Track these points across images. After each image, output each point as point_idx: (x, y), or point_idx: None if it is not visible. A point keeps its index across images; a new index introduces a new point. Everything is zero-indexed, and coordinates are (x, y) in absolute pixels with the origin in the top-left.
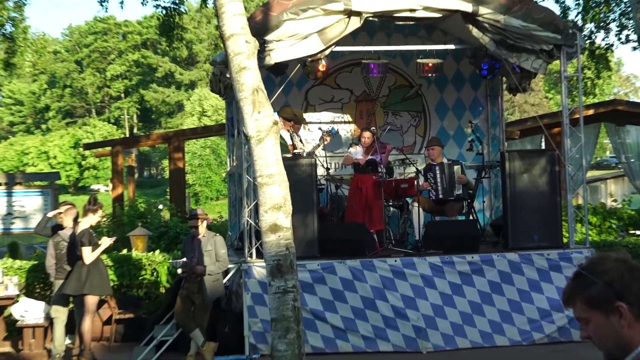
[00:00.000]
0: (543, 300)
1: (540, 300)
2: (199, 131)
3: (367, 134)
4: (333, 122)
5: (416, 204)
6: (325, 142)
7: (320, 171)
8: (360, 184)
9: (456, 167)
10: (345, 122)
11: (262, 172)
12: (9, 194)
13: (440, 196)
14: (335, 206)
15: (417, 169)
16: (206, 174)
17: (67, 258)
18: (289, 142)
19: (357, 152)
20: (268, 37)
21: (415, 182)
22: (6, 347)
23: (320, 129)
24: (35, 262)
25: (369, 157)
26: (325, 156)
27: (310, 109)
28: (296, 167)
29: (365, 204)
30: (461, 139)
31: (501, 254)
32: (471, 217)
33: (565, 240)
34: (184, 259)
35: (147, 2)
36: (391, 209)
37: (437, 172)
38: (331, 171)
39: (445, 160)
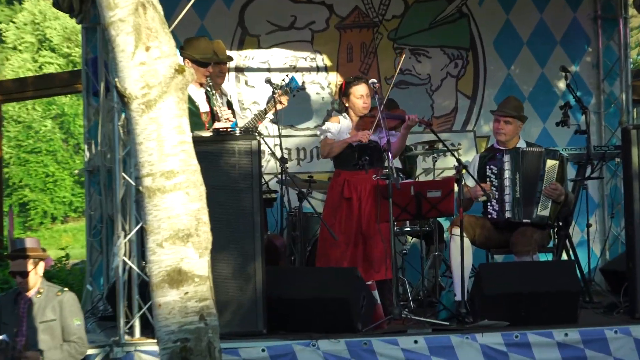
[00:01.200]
0: None
1: None
2: (31, 84)
3: (361, 91)
4: (294, 69)
5: (457, 230)
6: (279, 108)
7: (270, 165)
8: (349, 190)
9: (550, 163)
10: (317, 69)
11: (154, 166)
12: None
13: (509, 216)
14: (299, 234)
15: (459, 160)
16: (46, 168)
17: None
18: (205, 109)
19: (341, 129)
20: None
21: (457, 187)
22: None
23: (268, 81)
24: None
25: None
26: (280, 136)
27: (250, 43)
28: (220, 158)
29: (357, 230)
30: (546, 102)
31: (622, 327)
32: (564, 256)
33: None
34: (1, 337)
35: None
36: (409, 239)
37: (507, 166)
38: (291, 165)
39: (523, 145)
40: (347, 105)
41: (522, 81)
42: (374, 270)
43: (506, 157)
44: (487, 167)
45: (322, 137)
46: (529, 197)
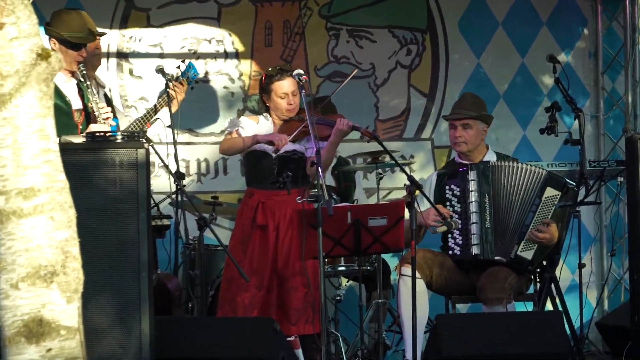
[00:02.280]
0: None
1: None
2: None
3: (286, 87)
4: (194, 55)
5: (408, 270)
6: (175, 106)
7: (162, 181)
8: (263, 216)
9: (550, 193)
10: (226, 55)
11: (8, 182)
12: None
13: (476, 252)
14: (199, 274)
15: (411, 178)
16: None
17: None
18: (78, 106)
19: (258, 131)
20: None
21: (408, 213)
22: None
23: (160, 70)
24: None
25: (290, 146)
26: (175, 143)
27: (137, 20)
28: (96, 171)
29: (272, 269)
30: (527, 102)
31: None
32: (549, 306)
33: None
34: None
35: None
36: (343, 281)
37: (474, 185)
38: (189, 183)
39: (493, 158)
40: (268, 104)
41: (496, 74)
42: (293, 323)
43: (471, 174)
44: (447, 187)
45: (228, 129)
46: (503, 229)
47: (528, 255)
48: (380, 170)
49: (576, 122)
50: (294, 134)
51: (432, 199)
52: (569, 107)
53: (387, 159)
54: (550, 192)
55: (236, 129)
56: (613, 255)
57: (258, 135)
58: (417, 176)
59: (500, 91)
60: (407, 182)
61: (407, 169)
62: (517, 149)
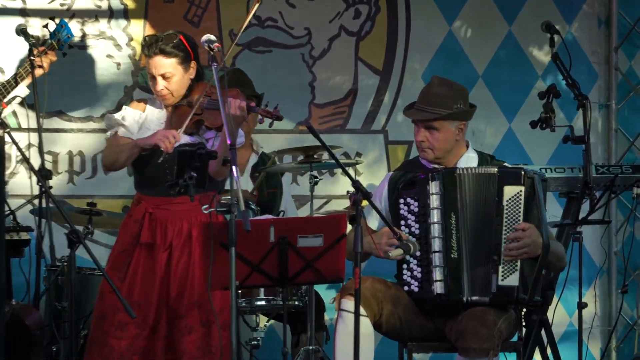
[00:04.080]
0: None
1: None
2: None
3: (152, 64)
4: (68, 13)
5: (349, 305)
6: (39, 74)
7: (20, 181)
8: (150, 231)
9: (509, 193)
10: (111, 14)
11: None
12: None
13: (439, 291)
14: (68, 307)
15: (356, 184)
16: None
17: None
18: None
19: (146, 122)
20: None
21: (352, 231)
22: None
23: (22, 31)
24: None
25: (186, 138)
26: (40, 129)
27: None
28: None
29: (159, 302)
30: (515, 86)
31: None
32: (539, 359)
33: None
34: None
35: None
36: (262, 320)
37: (436, 200)
38: (58, 183)
39: (473, 158)
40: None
41: (473, 48)
42: None
43: (433, 186)
44: (402, 200)
45: (109, 132)
46: (477, 258)
47: (513, 280)
48: (315, 173)
49: (580, 113)
50: (184, 125)
51: (385, 211)
52: (570, 93)
53: (325, 157)
54: (510, 191)
55: (117, 128)
56: (625, 293)
57: (139, 140)
58: (365, 181)
59: (479, 70)
60: (352, 189)
61: (351, 172)
62: (500, 147)
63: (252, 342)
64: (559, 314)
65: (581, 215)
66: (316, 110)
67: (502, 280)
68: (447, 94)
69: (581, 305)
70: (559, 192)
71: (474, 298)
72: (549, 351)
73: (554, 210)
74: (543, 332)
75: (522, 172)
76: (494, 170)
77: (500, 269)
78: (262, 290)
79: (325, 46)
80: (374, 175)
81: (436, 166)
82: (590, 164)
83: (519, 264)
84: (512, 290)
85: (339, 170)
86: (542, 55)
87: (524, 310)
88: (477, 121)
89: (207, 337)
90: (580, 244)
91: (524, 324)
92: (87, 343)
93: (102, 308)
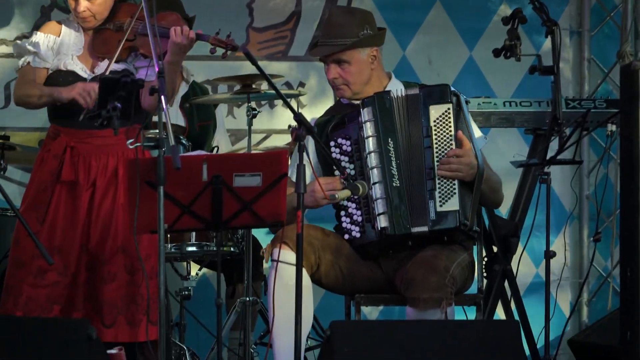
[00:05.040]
0: None
1: None
2: None
3: None
4: None
5: (288, 255)
6: None
7: None
8: (72, 168)
9: (435, 113)
10: None
11: None
12: None
13: (384, 224)
14: None
15: (299, 117)
16: None
17: None
18: None
19: (61, 46)
20: None
21: (293, 169)
22: None
23: None
24: None
25: (115, 65)
26: None
27: None
28: None
29: (81, 247)
30: (476, 9)
31: None
32: (500, 313)
33: None
34: None
35: None
36: (194, 269)
37: (371, 128)
38: None
39: (399, 89)
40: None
41: None
42: (107, 324)
43: (365, 113)
44: (333, 143)
45: (20, 61)
46: (415, 184)
47: (453, 205)
48: (253, 104)
49: (548, 40)
50: (116, 52)
51: (313, 164)
52: (537, 18)
53: (264, 87)
54: (436, 110)
55: (27, 60)
56: (597, 241)
57: (54, 90)
58: (308, 114)
59: None
60: (294, 123)
61: (293, 103)
62: (459, 79)
63: (183, 292)
64: (524, 264)
65: (549, 155)
66: (255, 34)
67: (441, 205)
68: (350, 22)
69: (549, 255)
70: (525, 129)
71: (416, 229)
72: (512, 305)
73: (519, 148)
74: (506, 284)
75: (448, 89)
76: (416, 89)
77: (437, 194)
78: (193, 234)
79: None
80: (319, 108)
81: (357, 102)
82: (560, 97)
83: (457, 187)
84: (453, 215)
85: (279, 102)
86: None
87: (485, 258)
88: (433, 49)
89: (131, 285)
90: (548, 187)
91: (484, 274)
92: (2, 291)
93: (18, 253)
